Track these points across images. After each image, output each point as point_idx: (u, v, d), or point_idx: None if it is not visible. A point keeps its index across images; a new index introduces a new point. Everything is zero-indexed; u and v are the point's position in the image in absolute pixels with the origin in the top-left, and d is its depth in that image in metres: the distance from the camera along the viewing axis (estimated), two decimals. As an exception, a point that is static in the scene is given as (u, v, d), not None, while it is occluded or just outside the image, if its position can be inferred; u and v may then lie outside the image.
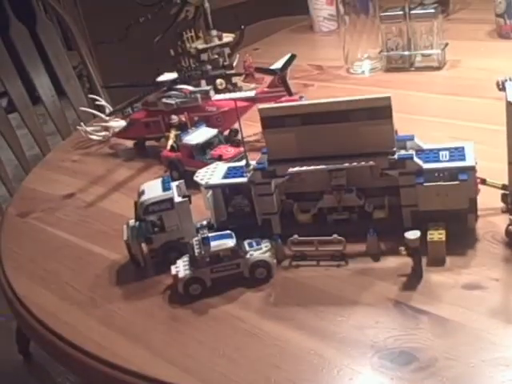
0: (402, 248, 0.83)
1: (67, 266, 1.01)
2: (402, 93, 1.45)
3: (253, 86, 1.59)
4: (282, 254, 0.91)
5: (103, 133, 1.44)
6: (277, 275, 0.88)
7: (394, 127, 0.88)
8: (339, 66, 1.67)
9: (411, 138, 0.91)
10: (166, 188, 0.93)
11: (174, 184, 0.95)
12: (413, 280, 0.81)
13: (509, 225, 0.85)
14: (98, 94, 1.67)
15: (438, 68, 1.53)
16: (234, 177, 0.95)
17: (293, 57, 1.28)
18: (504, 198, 0.91)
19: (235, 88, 1.58)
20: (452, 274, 0.81)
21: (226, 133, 1.29)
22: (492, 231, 0.88)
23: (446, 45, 1.54)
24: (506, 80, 0.82)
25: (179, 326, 0.82)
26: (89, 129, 1.45)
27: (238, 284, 0.87)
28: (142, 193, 0.93)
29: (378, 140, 0.87)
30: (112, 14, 1.88)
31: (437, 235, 0.84)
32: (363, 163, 0.88)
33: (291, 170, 0.91)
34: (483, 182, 0.92)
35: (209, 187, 0.94)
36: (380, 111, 0.85)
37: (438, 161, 0.88)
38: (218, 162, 1.01)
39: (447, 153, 0.89)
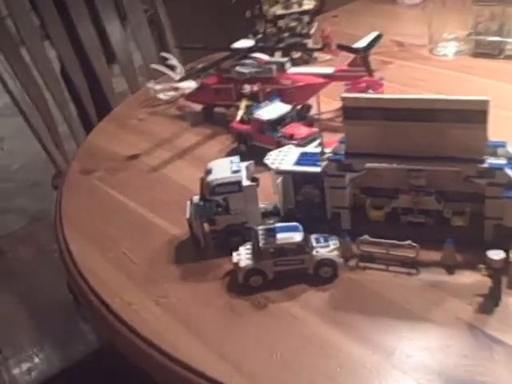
0: (482, 266, 0.77)
1: (126, 233, 0.99)
2: (488, 82, 1.35)
3: (328, 57, 1.52)
4: (349, 252, 0.86)
5: (171, 93, 1.40)
6: (342, 275, 0.83)
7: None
8: (422, 45, 1.57)
9: (503, 145, 0.84)
10: (234, 169, 0.89)
11: (243, 164, 0.91)
12: (490, 302, 0.76)
13: None
14: (169, 52, 1.61)
15: (531, 58, 1.43)
16: (306, 164, 0.90)
17: (379, 36, 1.20)
18: None
19: (310, 58, 1.52)
20: (533, 301, 0.75)
21: (299, 107, 1.23)
22: None
23: (543, 34, 1.43)
24: None
25: (236, 319, 0.79)
26: (157, 87, 1.41)
27: (300, 280, 0.83)
28: (210, 171, 0.89)
29: (468, 145, 0.80)
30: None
31: (521, 256, 0.78)
32: (449, 168, 0.82)
33: (369, 165, 0.86)
34: None
35: (280, 173, 0.89)
36: (475, 115, 0.78)
37: (532, 174, 0.81)
38: (290, 146, 0.96)
39: (543, 165, 0.82)
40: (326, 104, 1.24)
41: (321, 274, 0.83)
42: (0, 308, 1.74)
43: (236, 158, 0.91)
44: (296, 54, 1.49)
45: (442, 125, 0.80)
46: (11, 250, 1.96)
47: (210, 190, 0.87)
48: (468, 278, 0.80)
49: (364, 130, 0.83)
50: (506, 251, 0.78)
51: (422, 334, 0.73)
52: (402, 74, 1.44)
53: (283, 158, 0.92)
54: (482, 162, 0.80)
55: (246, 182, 0.87)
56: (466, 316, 0.74)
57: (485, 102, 0.77)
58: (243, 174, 0.88)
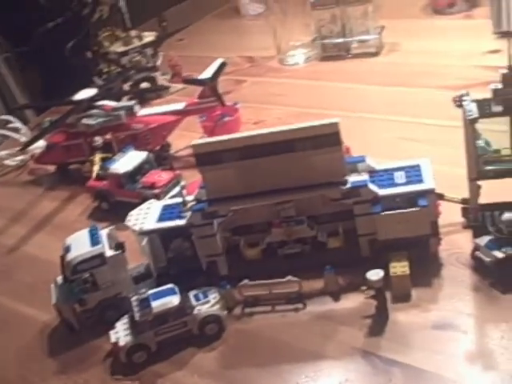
0: (364, 288, 0.75)
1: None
2: (340, 86, 1.36)
3: (181, 86, 1.48)
4: (232, 300, 0.82)
5: (20, 157, 1.30)
6: (229, 327, 0.79)
7: (345, 146, 0.80)
8: (271, 57, 1.57)
9: (363, 160, 0.82)
10: (94, 240, 0.82)
11: (103, 233, 0.84)
12: (379, 322, 0.74)
13: (474, 249, 0.78)
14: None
15: (376, 54, 1.45)
16: (170, 218, 0.85)
17: (223, 64, 1.17)
18: (464, 212, 0.85)
19: (163, 91, 1.47)
20: (420, 312, 0.74)
21: (157, 148, 1.18)
22: (456, 253, 0.82)
23: (383, 28, 1.46)
24: (462, 96, 0.74)
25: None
26: (2, 153, 1.31)
27: (187, 344, 0.77)
28: (68, 249, 0.82)
29: (328, 169, 0.78)
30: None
31: (400, 268, 0.77)
32: (314, 194, 0.80)
33: (234, 207, 0.82)
34: (441, 197, 0.85)
35: (144, 234, 0.83)
36: (328, 139, 0.76)
37: (394, 184, 0.80)
38: (150, 201, 0.90)
39: (403, 173, 0.81)
40: (184, 138, 1.21)
41: (207, 332, 0.78)
42: None
43: (94, 228, 0.84)
44: (144, 86, 1.43)
45: (298, 154, 0.78)
46: None
47: (71, 270, 0.80)
48: (354, 302, 0.78)
49: (222, 174, 0.79)
50: (386, 265, 0.77)
51: (320, 373, 0.70)
52: (256, 92, 1.43)
53: (145, 216, 0.86)
54: (345, 183, 0.78)
55: (109, 253, 0.80)
56: (359, 343, 0.72)
57: (335, 125, 0.76)
58: (105, 243, 0.81)
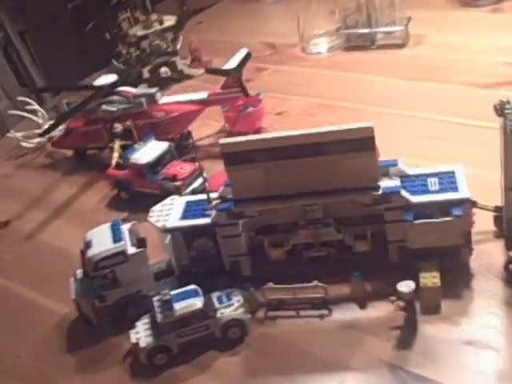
0: (393, 298, 0.73)
1: (5, 321, 0.88)
2: (364, 77, 1.33)
3: (200, 72, 1.45)
4: (256, 303, 0.80)
5: (38, 139, 1.27)
6: (252, 331, 0.77)
7: (378, 152, 0.77)
8: (293, 44, 1.53)
9: (395, 164, 0.80)
10: (116, 236, 0.80)
11: (125, 228, 0.82)
12: (407, 334, 0.72)
13: (508, 262, 0.76)
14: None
15: (402, 45, 1.41)
16: (194, 215, 0.83)
17: (249, 55, 1.14)
18: (497, 221, 0.82)
19: (181, 75, 1.44)
20: (450, 325, 0.72)
21: (177, 137, 1.15)
22: (488, 263, 0.79)
23: (409, 20, 1.42)
24: (504, 104, 0.71)
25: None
26: (20, 134, 1.28)
27: (208, 347, 0.76)
28: (89, 244, 0.80)
29: (360, 173, 0.76)
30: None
31: (431, 279, 0.74)
32: (343, 199, 0.77)
33: (261, 208, 0.79)
34: (474, 204, 0.82)
35: (167, 231, 0.81)
36: (361, 143, 0.74)
37: (427, 191, 0.77)
38: (173, 197, 0.88)
39: (436, 179, 0.79)
40: (205, 127, 1.18)
41: (229, 336, 0.76)
42: None
43: (116, 223, 0.82)
44: (165, 74, 1.40)
45: (330, 157, 0.75)
46: None
47: (92, 266, 0.78)
48: (381, 311, 0.76)
49: (250, 174, 0.77)
50: (415, 274, 0.74)
51: (345, 386, 0.68)
52: (278, 81, 1.39)
53: (168, 213, 0.84)
54: (377, 189, 0.76)
55: (131, 250, 0.79)
56: (386, 356, 0.70)
57: (369, 129, 0.73)
58: (127, 239, 0.79)
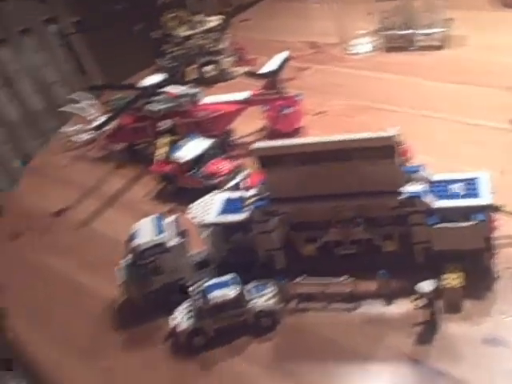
0: (415, 297, 0.78)
1: (60, 302, 0.96)
2: (404, 80, 1.36)
3: (246, 69, 1.50)
4: (287, 294, 0.86)
5: (87, 135, 1.36)
6: (283, 320, 0.83)
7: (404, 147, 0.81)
8: (335, 44, 1.58)
9: (418, 169, 0.84)
10: (159, 228, 0.87)
11: (167, 221, 0.89)
12: (428, 331, 0.77)
13: (530, 268, 0.80)
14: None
15: (441, 47, 1.44)
16: (232, 211, 0.89)
17: (287, 59, 1.19)
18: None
19: (225, 73, 1.50)
20: (471, 325, 0.76)
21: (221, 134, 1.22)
22: (511, 268, 0.83)
23: (449, 21, 1.44)
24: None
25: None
26: (72, 129, 1.37)
27: (242, 332, 0.82)
28: (134, 235, 0.87)
29: (382, 179, 0.81)
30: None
31: (454, 280, 0.79)
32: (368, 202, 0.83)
33: (293, 207, 0.85)
34: (497, 209, 0.86)
35: (205, 226, 0.88)
36: (382, 151, 0.78)
37: (451, 196, 0.82)
38: (213, 192, 0.94)
39: (460, 185, 0.83)
40: (248, 125, 1.24)
41: (262, 324, 0.82)
42: None
43: (159, 216, 0.89)
44: (209, 73, 1.47)
45: (356, 163, 0.80)
46: None
47: (138, 255, 0.85)
48: (406, 308, 0.80)
49: (283, 176, 0.83)
50: (440, 274, 0.79)
51: (368, 375, 0.74)
52: (319, 81, 1.44)
53: (208, 208, 0.90)
54: (399, 194, 0.81)
55: (171, 242, 0.86)
56: (408, 350, 0.75)
57: (390, 138, 0.78)
58: (169, 231, 0.87)
